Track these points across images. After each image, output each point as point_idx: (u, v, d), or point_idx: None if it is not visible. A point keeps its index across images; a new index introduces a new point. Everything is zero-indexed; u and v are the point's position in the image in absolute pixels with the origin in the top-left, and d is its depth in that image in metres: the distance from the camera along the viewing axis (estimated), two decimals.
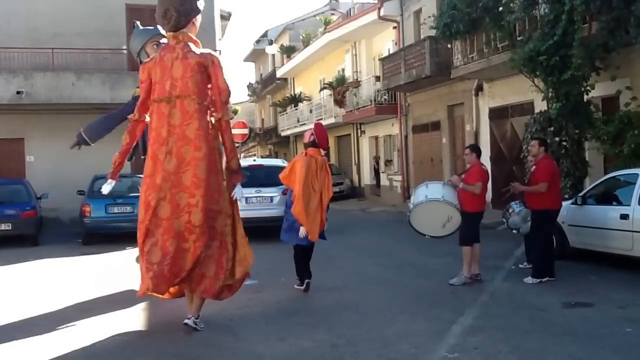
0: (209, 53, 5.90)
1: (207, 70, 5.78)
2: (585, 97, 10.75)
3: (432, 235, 7.85)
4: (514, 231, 7.97)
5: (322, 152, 7.63)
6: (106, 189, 6.37)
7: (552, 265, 7.68)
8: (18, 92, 15.22)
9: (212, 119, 5.85)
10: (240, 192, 6.03)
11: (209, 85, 5.87)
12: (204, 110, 5.80)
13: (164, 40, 6.88)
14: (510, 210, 8.11)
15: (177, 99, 5.70)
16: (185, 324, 5.82)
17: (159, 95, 5.78)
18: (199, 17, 5.99)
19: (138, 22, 7.80)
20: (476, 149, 8.08)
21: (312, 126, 10.36)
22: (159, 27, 6.87)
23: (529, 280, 7.57)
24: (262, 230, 10.88)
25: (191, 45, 5.84)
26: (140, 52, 7.48)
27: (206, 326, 5.99)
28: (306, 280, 7.47)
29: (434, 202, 7.56)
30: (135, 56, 7.74)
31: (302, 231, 7.20)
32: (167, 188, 5.65)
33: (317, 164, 7.32)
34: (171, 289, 6.07)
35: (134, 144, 6.38)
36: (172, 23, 5.78)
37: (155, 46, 7.30)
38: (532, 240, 8.07)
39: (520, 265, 8.53)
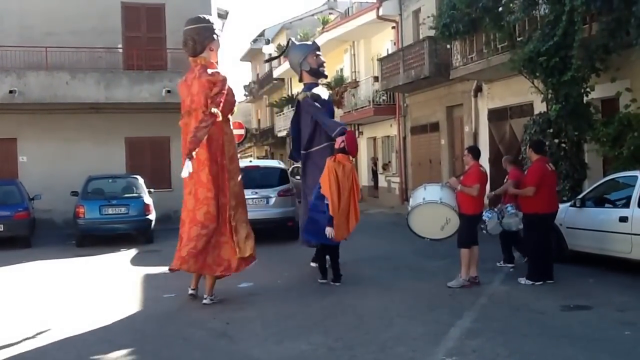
0: (218, 72, 7.03)
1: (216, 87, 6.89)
2: (585, 98, 10.68)
3: (430, 237, 7.83)
4: (484, 231, 7.98)
5: (351, 158, 8.14)
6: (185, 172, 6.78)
7: (551, 268, 7.65)
8: (11, 92, 14.98)
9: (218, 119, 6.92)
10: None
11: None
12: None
13: (319, 52, 9.20)
14: (504, 213, 8.07)
15: (193, 111, 6.96)
16: (204, 304, 6.84)
17: (185, 110, 7.10)
18: (216, 44, 7.19)
19: (293, 39, 9.37)
20: (475, 151, 8.03)
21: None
22: (315, 40, 8.82)
23: (522, 280, 7.58)
24: (259, 232, 10.76)
25: (208, 67, 7.01)
26: (302, 62, 9.11)
27: (202, 329, 5.97)
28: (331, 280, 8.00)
29: (432, 204, 7.54)
30: (297, 68, 9.26)
31: (330, 232, 7.62)
32: (192, 184, 6.84)
33: (345, 170, 7.76)
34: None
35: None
36: (190, 50, 7.13)
37: (315, 57, 9.12)
38: (507, 240, 8.55)
39: (498, 264, 8.67)
